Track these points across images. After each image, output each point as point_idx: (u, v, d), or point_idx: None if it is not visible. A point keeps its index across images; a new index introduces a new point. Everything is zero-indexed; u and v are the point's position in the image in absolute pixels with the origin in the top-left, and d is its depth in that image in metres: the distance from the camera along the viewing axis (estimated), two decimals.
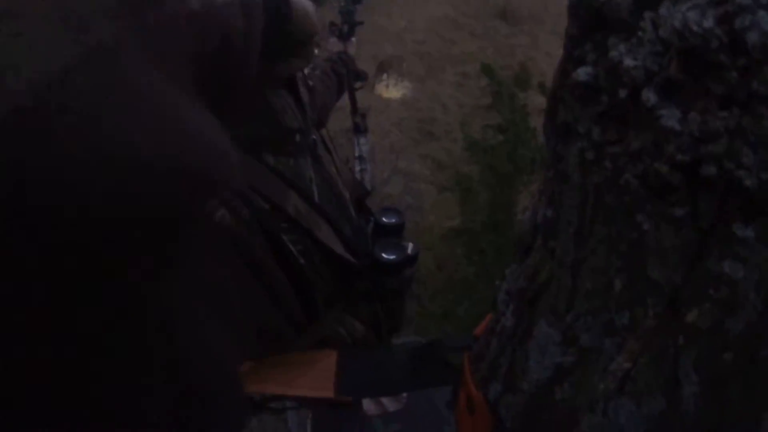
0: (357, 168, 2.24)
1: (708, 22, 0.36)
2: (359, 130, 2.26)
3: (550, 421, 0.59)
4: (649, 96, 0.40)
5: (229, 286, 0.59)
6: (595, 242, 0.50)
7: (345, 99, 1.96)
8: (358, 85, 1.99)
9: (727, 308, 0.42)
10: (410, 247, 1.22)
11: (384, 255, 1.16)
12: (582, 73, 0.46)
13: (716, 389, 0.46)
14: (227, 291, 0.58)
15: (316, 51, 1.03)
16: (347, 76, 1.72)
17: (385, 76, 5.34)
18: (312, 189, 1.08)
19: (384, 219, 1.29)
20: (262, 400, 1.08)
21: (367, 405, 1.27)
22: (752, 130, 0.37)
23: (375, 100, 4.77)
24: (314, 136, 1.16)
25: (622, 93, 0.42)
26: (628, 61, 0.41)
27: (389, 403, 1.28)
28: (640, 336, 0.48)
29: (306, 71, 1.18)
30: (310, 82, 1.22)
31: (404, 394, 1.28)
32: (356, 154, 2.28)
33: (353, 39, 1.85)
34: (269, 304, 0.91)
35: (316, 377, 0.90)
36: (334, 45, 1.82)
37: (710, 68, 0.38)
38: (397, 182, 4.25)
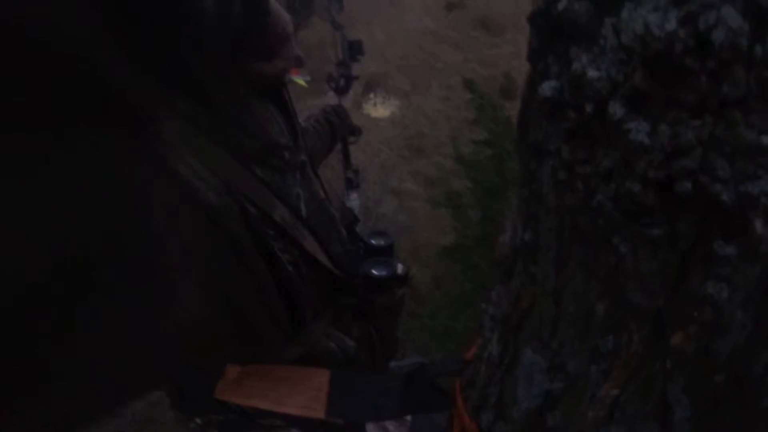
0: None
1: (670, 24, 0.33)
2: (351, 185, 2.23)
3: None
4: (616, 109, 0.37)
5: (205, 255, 0.54)
6: (574, 266, 0.47)
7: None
8: (352, 140, 1.98)
9: (714, 329, 0.39)
10: (400, 267, 1.23)
11: (374, 272, 1.19)
12: (546, 87, 0.43)
13: (709, 412, 0.43)
14: (202, 257, 0.53)
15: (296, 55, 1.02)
16: (341, 130, 1.73)
17: (372, 95, 5.33)
18: (300, 205, 1.06)
19: (373, 241, 1.31)
20: (253, 415, 1.06)
21: (371, 428, 1.26)
22: (726, 139, 0.34)
23: (363, 120, 4.76)
24: (304, 157, 1.13)
25: (588, 107, 0.39)
26: (592, 72, 0.38)
27: (393, 427, 1.27)
28: (627, 361, 0.45)
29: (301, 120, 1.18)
30: (303, 123, 1.19)
31: (408, 417, 1.28)
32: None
33: (350, 93, 1.85)
34: (253, 297, 0.88)
35: (306, 396, 0.88)
36: (330, 98, 1.82)
37: (677, 74, 0.35)
38: (389, 202, 4.23)
